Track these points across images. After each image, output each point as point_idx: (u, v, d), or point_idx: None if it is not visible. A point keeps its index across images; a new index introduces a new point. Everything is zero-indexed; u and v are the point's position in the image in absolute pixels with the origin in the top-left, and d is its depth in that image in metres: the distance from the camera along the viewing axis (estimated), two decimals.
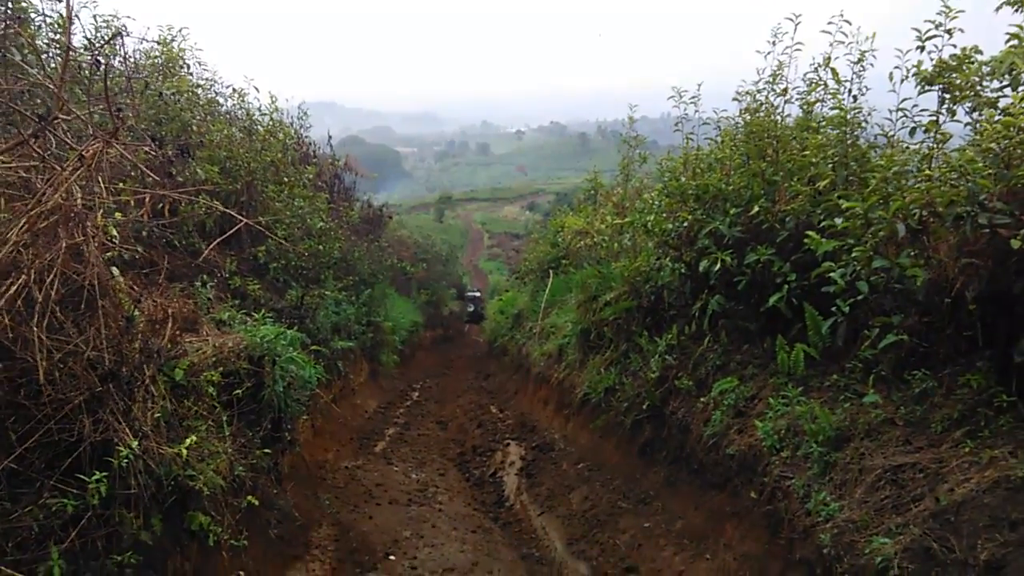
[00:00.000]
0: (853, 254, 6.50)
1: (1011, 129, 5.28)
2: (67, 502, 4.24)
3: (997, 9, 6.38)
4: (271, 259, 12.13)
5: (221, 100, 14.75)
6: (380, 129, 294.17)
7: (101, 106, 5.82)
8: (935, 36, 6.56)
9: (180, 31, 13.14)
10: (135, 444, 4.64)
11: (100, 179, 5.10)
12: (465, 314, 43.47)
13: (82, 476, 4.37)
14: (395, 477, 11.45)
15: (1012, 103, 5.51)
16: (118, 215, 5.63)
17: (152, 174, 6.13)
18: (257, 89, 15.16)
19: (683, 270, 9.90)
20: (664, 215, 10.36)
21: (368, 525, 8.98)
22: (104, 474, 4.41)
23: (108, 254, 5.40)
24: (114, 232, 5.44)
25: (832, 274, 6.80)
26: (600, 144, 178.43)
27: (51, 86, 5.75)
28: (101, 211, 5.11)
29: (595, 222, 17.98)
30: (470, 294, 46.46)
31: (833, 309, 6.98)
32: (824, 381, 7.15)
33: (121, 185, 5.88)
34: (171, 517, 5.13)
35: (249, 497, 6.21)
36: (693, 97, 10.45)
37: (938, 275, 5.83)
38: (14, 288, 4.35)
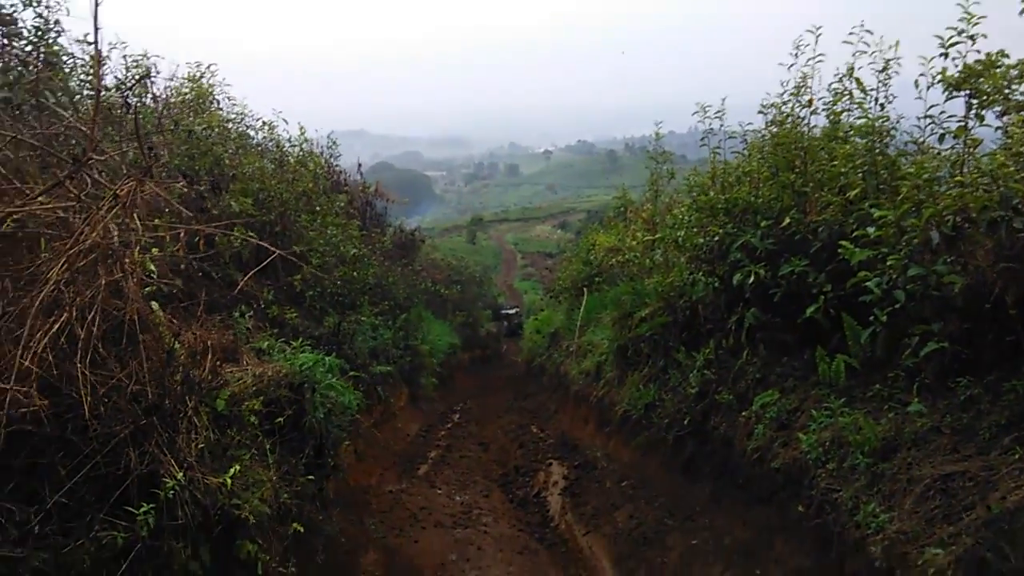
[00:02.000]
0: (888, 263, 6.44)
1: None
2: (117, 535, 4.31)
3: (1021, 12, 6.34)
4: (307, 287, 12.26)
5: (252, 133, 15.02)
6: (409, 154, 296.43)
7: (134, 144, 5.95)
8: (958, 43, 6.52)
9: (209, 67, 13.41)
10: (181, 475, 4.72)
11: (136, 216, 5.20)
12: (505, 329, 45.12)
13: (130, 508, 4.44)
14: (439, 500, 11.47)
15: None
16: (155, 251, 5.73)
17: (186, 209, 6.24)
18: (286, 121, 15.42)
19: (717, 284, 9.83)
20: (695, 230, 10.33)
21: (414, 549, 9.00)
22: (152, 506, 4.48)
23: (147, 289, 5.50)
24: (152, 267, 5.55)
25: (868, 283, 6.74)
26: (628, 160, 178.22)
27: (84, 129, 5.89)
28: (138, 247, 5.21)
29: (626, 239, 17.94)
30: (506, 312, 47.51)
31: (871, 318, 6.89)
32: (867, 391, 7.05)
33: (157, 221, 5.99)
34: (219, 546, 5.19)
35: (295, 524, 6.26)
36: (718, 111, 10.45)
37: (976, 281, 5.77)
38: (57, 326, 4.45)
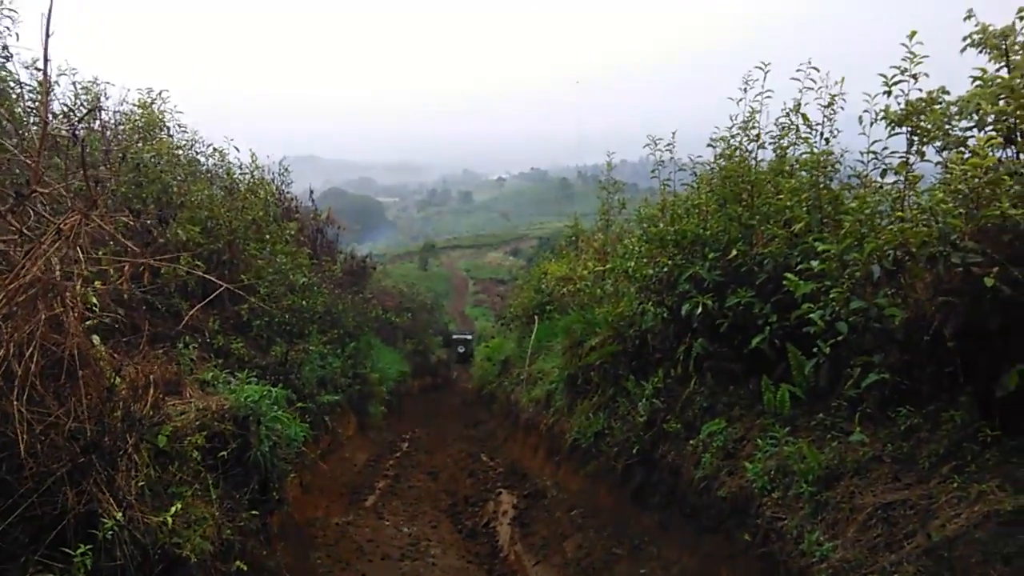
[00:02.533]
0: (831, 295, 6.58)
1: (978, 169, 5.39)
2: None
3: (962, 51, 6.55)
4: (254, 316, 12.10)
5: (202, 159, 14.85)
6: (362, 180, 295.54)
7: (80, 176, 5.86)
8: (901, 81, 6.72)
9: (160, 93, 13.28)
10: (120, 515, 4.60)
11: (79, 249, 5.11)
12: (458, 356, 45.30)
13: (67, 549, 4.32)
14: (387, 532, 11.32)
15: (978, 143, 5.63)
16: (98, 284, 5.63)
17: (131, 243, 6.14)
18: (237, 148, 15.29)
19: (665, 314, 9.93)
20: (644, 261, 10.43)
21: None
22: (89, 546, 4.37)
23: (88, 322, 5.39)
24: (94, 301, 5.44)
25: (812, 315, 6.87)
26: (581, 188, 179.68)
27: (28, 161, 5.78)
28: (80, 281, 5.11)
29: (577, 268, 18.05)
30: (459, 337, 47.76)
31: (815, 349, 7.01)
32: (811, 420, 7.15)
33: (100, 254, 5.88)
34: None
35: (238, 561, 6.13)
36: (668, 144, 10.62)
37: (916, 314, 5.90)
38: None
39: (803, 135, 8.61)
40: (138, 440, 5.22)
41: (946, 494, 5.11)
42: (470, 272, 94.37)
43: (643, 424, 9.83)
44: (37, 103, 8.92)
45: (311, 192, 24.56)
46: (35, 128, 8.23)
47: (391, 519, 12.14)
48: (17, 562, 4.20)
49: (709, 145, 9.84)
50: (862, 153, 7.42)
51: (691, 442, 8.65)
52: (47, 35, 4.99)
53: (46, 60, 5.29)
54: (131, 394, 5.46)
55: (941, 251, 5.43)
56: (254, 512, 6.95)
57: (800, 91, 8.43)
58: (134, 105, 12.78)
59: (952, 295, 5.48)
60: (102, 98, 11.67)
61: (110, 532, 4.50)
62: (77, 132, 6.18)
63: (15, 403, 4.29)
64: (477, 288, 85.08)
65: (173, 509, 5.18)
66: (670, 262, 9.58)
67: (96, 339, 5.37)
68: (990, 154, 5.53)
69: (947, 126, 6.53)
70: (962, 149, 6.23)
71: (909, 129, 6.74)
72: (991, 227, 5.26)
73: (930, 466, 5.52)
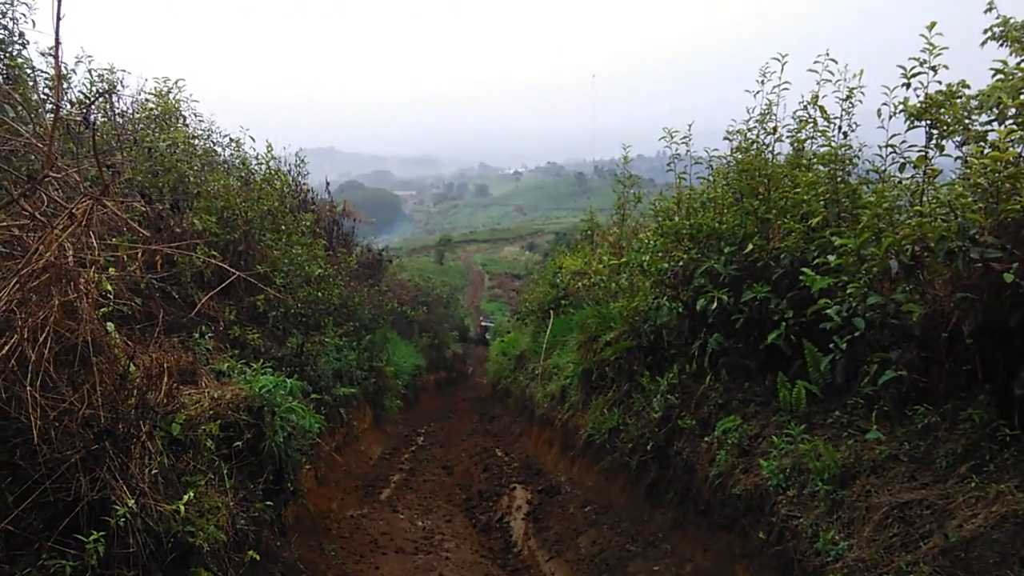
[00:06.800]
0: (848, 290, 6.53)
1: (999, 163, 5.33)
2: (65, 563, 4.19)
3: (982, 44, 6.48)
4: (270, 307, 12.11)
5: (218, 150, 14.88)
6: (379, 173, 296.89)
7: (93, 162, 5.87)
8: (920, 73, 6.64)
9: (176, 83, 13.32)
10: (132, 502, 4.60)
11: (92, 235, 5.11)
12: (482, 336, 49.16)
13: (80, 536, 4.33)
14: (401, 525, 11.33)
15: (999, 137, 5.56)
16: (112, 270, 5.63)
17: (144, 229, 6.14)
18: (253, 139, 15.31)
19: (681, 309, 9.90)
20: (660, 255, 10.39)
21: None
22: (102, 533, 4.36)
23: (103, 309, 5.40)
24: (108, 287, 5.45)
25: (828, 311, 6.82)
26: (597, 183, 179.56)
27: (41, 145, 5.80)
28: (94, 267, 5.12)
29: (593, 262, 18.04)
30: (484, 324, 51.97)
31: (831, 345, 6.97)
32: (827, 418, 7.12)
33: (115, 240, 5.89)
34: (172, 575, 5.07)
35: (251, 551, 6.13)
36: (684, 137, 10.56)
37: (934, 310, 5.85)
38: (7, 348, 4.34)
39: (821, 128, 8.55)
40: (152, 428, 5.22)
41: (963, 494, 5.07)
42: (486, 266, 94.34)
43: (658, 420, 9.80)
44: (51, 88, 8.95)
45: (327, 184, 24.55)
46: (49, 115, 8.27)
47: (405, 512, 12.15)
48: (31, 548, 4.21)
49: (725, 138, 9.80)
50: (880, 147, 7.36)
51: (706, 439, 8.62)
52: (58, 18, 4.98)
53: (57, 43, 5.28)
54: (145, 382, 5.45)
55: (960, 246, 5.37)
56: (268, 503, 6.95)
57: (818, 83, 8.37)
58: (150, 94, 12.84)
59: (971, 291, 5.43)
60: (118, 86, 11.72)
61: (123, 519, 4.49)
62: (90, 117, 6.17)
63: (29, 389, 4.29)
64: (493, 283, 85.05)
65: (186, 497, 5.17)
66: (685, 256, 9.54)
67: (110, 326, 5.37)
68: (1010, 148, 5.47)
69: (967, 120, 6.47)
70: (982, 143, 6.16)
71: (928, 122, 6.68)
72: (1011, 221, 5.21)
73: (947, 465, 5.48)
